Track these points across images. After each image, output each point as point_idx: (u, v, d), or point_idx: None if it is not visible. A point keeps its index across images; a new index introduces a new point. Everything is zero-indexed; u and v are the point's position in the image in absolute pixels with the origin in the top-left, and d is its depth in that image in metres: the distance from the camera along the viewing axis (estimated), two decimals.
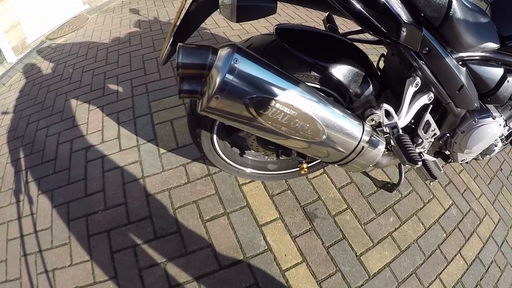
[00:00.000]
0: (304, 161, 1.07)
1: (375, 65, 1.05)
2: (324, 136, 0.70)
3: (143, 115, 1.60)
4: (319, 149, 0.75)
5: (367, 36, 1.02)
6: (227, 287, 1.02)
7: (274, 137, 0.73)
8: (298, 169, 1.25)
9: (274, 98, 0.61)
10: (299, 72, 0.76)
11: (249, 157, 1.23)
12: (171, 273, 1.03)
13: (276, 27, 0.76)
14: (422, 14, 0.70)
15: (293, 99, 0.63)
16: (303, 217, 1.25)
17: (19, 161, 1.48)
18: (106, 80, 1.84)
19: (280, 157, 1.02)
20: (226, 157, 1.12)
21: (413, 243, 1.27)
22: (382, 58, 1.05)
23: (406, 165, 1.48)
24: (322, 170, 1.40)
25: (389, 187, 1.42)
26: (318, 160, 1.22)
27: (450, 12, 0.70)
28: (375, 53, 2.19)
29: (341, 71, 0.77)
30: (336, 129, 0.70)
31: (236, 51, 0.58)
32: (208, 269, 1.05)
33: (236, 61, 0.57)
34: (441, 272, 1.20)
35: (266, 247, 1.14)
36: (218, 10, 0.63)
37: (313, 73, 0.76)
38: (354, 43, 0.95)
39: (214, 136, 0.99)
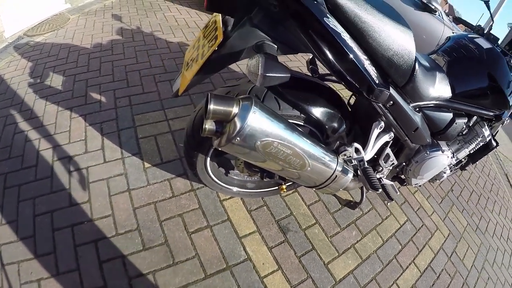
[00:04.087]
0: (284, 183, 1.28)
1: (347, 100, 1.29)
2: (309, 168, 0.90)
3: (127, 128, 1.69)
4: (303, 177, 0.95)
5: None
6: None
7: (270, 167, 0.91)
8: (274, 188, 1.45)
9: (277, 140, 0.81)
10: (286, 112, 0.95)
11: (233, 176, 1.41)
12: (160, 282, 1.14)
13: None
14: (390, 77, 0.90)
15: (290, 142, 0.83)
16: (277, 230, 1.44)
17: None
18: (88, 88, 1.89)
19: (264, 179, 1.21)
20: (214, 176, 1.29)
21: (373, 253, 1.52)
22: (354, 98, 1.29)
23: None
24: (294, 189, 1.62)
25: (352, 205, 1.66)
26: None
27: (413, 77, 0.93)
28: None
29: (320, 112, 0.99)
30: (318, 162, 0.91)
31: (254, 104, 0.76)
32: (194, 278, 1.19)
33: (254, 112, 0.76)
34: (397, 278, 1.45)
35: (246, 257, 1.30)
36: (247, 71, 0.78)
37: (297, 113, 0.97)
38: (331, 83, 1.19)
39: (208, 158, 1.16)
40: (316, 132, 1.05)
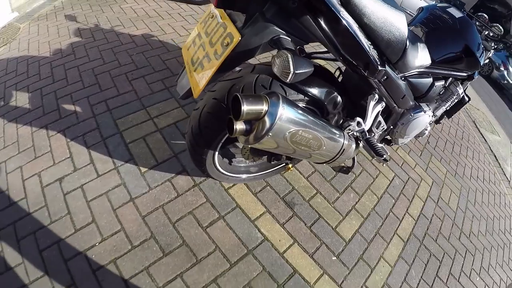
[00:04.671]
0: (290, 162, 1.29)
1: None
2: (324, 147, 0.92)
3: (112, 135, 1.55)
4: (318, 155, 0.97)
5: (330, 55, 1.24)
6: (242, 279, 1.18)
7: (290, 153, 0.92)
8: (277, 167, 1.46)
9: (302, 129, 0.81)
10: (291, 98, 0.92)
11: (236, 164, 1.38)
12: (190, 283, 1.13)
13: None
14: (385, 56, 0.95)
15: (311, 127, 0.84)
16: (285, 207, 1.47)
17: None
18: (59, 100, 1.68)
19: (272, 162, 1.21)
20: (220, 167, 1.25)
21: (372, 210, 1.61)
22: (338, 71, 1.30)
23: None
24: None
25: (345, 170, 1.71)
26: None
27: (404, 54, 0.98)
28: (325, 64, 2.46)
29: (320, 92, 0.98)
30: (330, 140, 0.93)
31: (282, 101, 0.75)
32: (221, 269, 1.18)
33: (283, 108, 0.75)
34: (396, 229, 1.57)
35: (263, 238, 1.33)
36: (276, 70, 0.77)
37: (301, 96, 0.95)
38: (321, 61, 1.17)
39: (216, 153, 1.12)
40: (316, 110, 1.04)
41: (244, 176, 1.39)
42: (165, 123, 1.67)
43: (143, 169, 1.45)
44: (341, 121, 1.09)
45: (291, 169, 1.34)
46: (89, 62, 1.96)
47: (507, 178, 2.86)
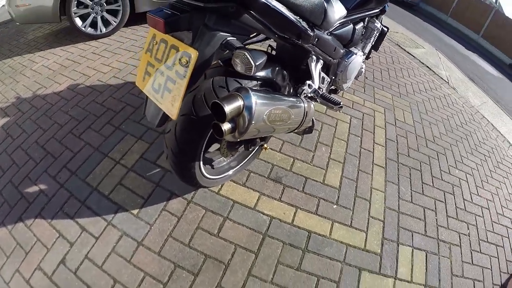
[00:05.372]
0: (264, 143, 1.39)
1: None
2: (292, 116, 1.04)
3: (89, 195, 1.50)
4: (289, 125, 1.09)
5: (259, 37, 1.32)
6: (272, 260, 1.28)
7: (268, 132, 1.03)
8: (254, 152, 1.56)
9: (272, 108, 0.92)
10: (248, 86, 1.00)
11: (218, 166, 1.45)
12: (230, 287, 1.20)
13: (219, 60, 1.01)
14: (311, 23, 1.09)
15: (278, 104, 0.96)
16: (274, 184, 1.58)
17: None
18: (19, 187, 1.56)
19: (249, 149, 1.32)
20: (208, 174, 1.32)
21: (345, 154, 1.78)
22: (269, 48, 1.39)
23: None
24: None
25: (308, 130, 1.87)
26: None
27: (325, 15, 1.12)
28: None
29: (267, 72, 1.08)
30: (295, 108, 1.05)
31: (252, 91, 0.85)
32: (249, 262, 1.27)
33: (255, 96, 0.84)
34: (373, 160, 1.76)
35: (269, 218, 1.43)
36: (240, 68, 0.86)
37: (255, 82, 1.05)
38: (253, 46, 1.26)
39: (201, 162, 1.18)
40: (270, 90, 1.14)
41: (230, 172, 1.47)
42: (133, 160, 1.65)
43: (135, 211, 1.44)
44: (291, 90, 1.22)
45: (267, 148, 1.45)
46: (29, 136, 1.82)
47: (445, 81, 3.25)
